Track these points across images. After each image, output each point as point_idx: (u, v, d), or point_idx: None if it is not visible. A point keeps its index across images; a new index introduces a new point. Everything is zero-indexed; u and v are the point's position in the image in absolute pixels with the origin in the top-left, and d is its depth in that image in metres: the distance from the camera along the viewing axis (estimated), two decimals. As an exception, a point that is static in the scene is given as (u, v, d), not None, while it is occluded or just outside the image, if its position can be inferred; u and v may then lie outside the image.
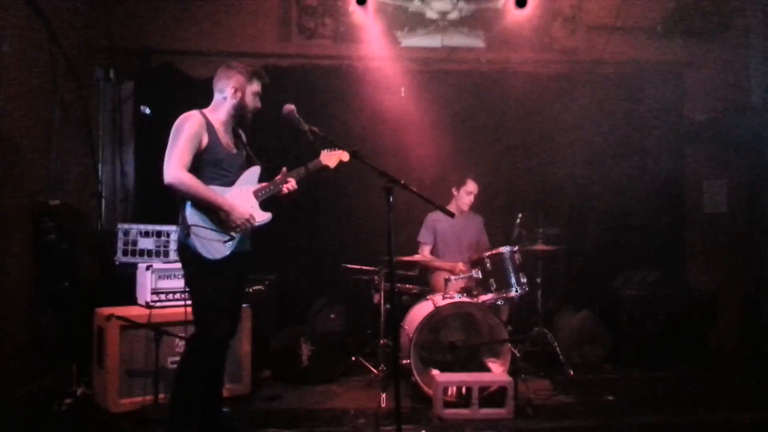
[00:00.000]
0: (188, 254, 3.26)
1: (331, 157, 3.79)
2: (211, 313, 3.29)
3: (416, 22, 6.30)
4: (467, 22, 6.35)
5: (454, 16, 6.34)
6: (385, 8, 6.24)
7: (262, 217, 3.49)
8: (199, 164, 3.28)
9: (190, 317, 4.21)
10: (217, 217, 3.28)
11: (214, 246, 3.26)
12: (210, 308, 3.29)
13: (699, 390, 4.90)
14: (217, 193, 3.30)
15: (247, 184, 3.50)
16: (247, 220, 3.34)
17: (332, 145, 3.65)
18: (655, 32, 6.38)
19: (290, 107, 3.38)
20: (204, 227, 3.23)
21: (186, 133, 3.23)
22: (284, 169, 3.63)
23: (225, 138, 3.42)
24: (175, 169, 3.18)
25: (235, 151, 3.48)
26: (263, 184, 3.55)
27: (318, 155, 3.78)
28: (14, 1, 4.37)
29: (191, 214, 3.23)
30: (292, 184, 3.60)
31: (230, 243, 3.31)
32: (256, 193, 3.49)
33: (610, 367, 5.48)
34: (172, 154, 3.21)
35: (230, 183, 3.42)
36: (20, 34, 4.47)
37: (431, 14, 6.32)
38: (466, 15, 6.35)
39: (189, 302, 3.38)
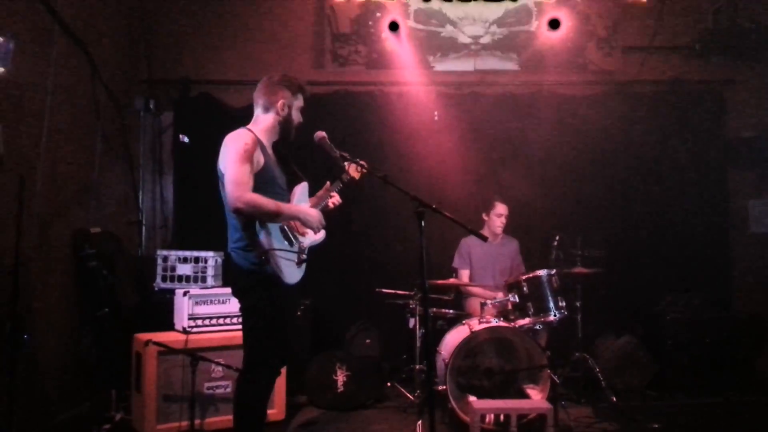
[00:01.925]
0: (263, 279, 3.10)
1: (353, 169, 3.68)
2: (273, 339, 3.17)
3: (449, 46, 6.34)
4: (500, 45, 6.35)
5: (486, 40, 6.36)
6: (418, 34, 6.30)
7: (320, 234, 3.44)
8: (258, 184, 3.11)
9: (227, 342, 4.33)
10: (286, 236, 3.20)
11: (292, 270, 3.19)
12: (273, 334, 3.17)
13: (748, 418, 4.71)
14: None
15: (302, 201, 3.42)
16: (319, 220, 3.26)
17: (345, 174, 3.59)
18: (692, 51, 6.29)
19: (321, 134, 3.33)
20: (282, 250, 3.14)
21: (243, 154, 3.06)
22: (327, 183, 3.57)
23: (273, 155, 3.32)
24: (240, 191, 3.00)
25: (279, 167, 3.37)
26: (312, 200, 3.50)
27: (344, 169, 3.68)
28: (57, 35, 4.54)
29: (266, 240, 3.08)
30: (336, 198, 3.57)
31: (303, 265, 3.28)
32: None
33: (654, 393, 5.30)
34: (234, 178, 3.02)
35: (287, 202, 3.32)
36: (63, 68, 4.64)
37: (464, 39, 6.35)
38: (499, 38, 6.36)
39: (244, 328, 3.24)
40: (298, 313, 4.96)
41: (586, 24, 6.35)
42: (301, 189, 3.46)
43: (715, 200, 6.22)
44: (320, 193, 3.54)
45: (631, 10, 6.35)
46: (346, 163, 3.63)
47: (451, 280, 5.19)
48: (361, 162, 3.46)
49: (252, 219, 3.08)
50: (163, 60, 6.15)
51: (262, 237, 3.08)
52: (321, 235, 3.45)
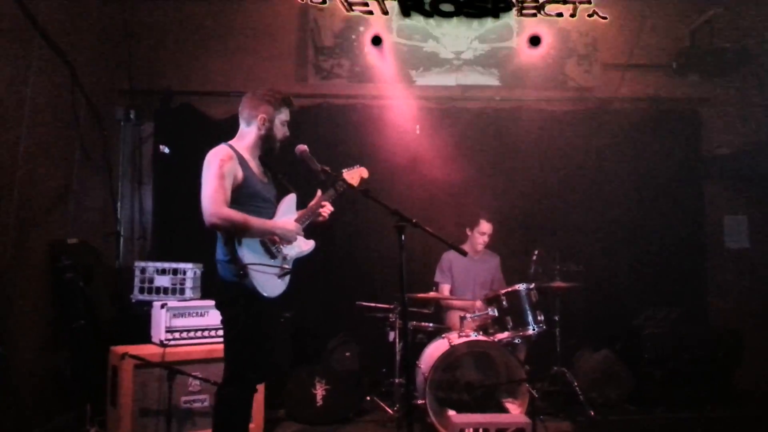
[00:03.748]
0: (240, 292, 3.10)
1: (352, 176, 3.68)
2: (252, 353, 3.15)
3: (431, 61, 6.39)
4: (481, 61, 6.42)
5: (468, 55, 6.42)
6: (400, 48, 6.35)
7: (308, 245, 3.45)
8: (238, 199, 3.13)
9: (205, 356, 4.29)
10: (267, 249, 3.19)
11: (272, 283, 3.18)
12: (252, 347, 3.15)
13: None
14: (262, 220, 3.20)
15: (288, 213, 3.39)
16: (296, 233, 3.28)
17: (341, 183, 3.51)
18: (670, 69, 6.40)
19: (303, 147, 3.33)
20: (260, 264, 3.12)
21: (219, 170, 3.07)
22: (319, 192, 3.51)
23: (256, 168, 3.31)
24: (215, 206, 3.01)
25: (266, 180, 3.37)
26: (302, 211, 3.46)
27: (340, 175, 3.60)
28: (38, 45, 4.50)
29: (245, 254, 3.08)
30: (327, 208, 3.50)
31: (286, 277, 3.26)
32: (298, 222, 3.38)
33: (632, 407, 5.33)
34: (209, 194, 3.03)
35: (272, 215, 3.31)
36: (43, 77, 4.60)
37: (446, 54, 6.41)
38: (480, 54, 6.43)
39: (224, 340, 3.21)
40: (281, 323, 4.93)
41: (566, 41, 6.45)
42: (288, 201, 3.44)
43: (691, 216, 6.32)
44: (312, 203, 3.49)
45: (611, 28, 6.45)
46: (343, 171, 3.64)
47: (431, 294, 5.19)
48: (340, 179, 3.47)
49: (229, 233, 3.10)
50: (144, 70, 6.11)
51: (240, 252, 3.08)
52: (309, 245, 3.46)
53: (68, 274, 4.60)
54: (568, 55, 6.47)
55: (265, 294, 3.12)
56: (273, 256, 3.23)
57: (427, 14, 6.30)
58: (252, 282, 3.07)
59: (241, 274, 3.05)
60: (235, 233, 3.09)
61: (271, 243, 3.23)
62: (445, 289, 5.48)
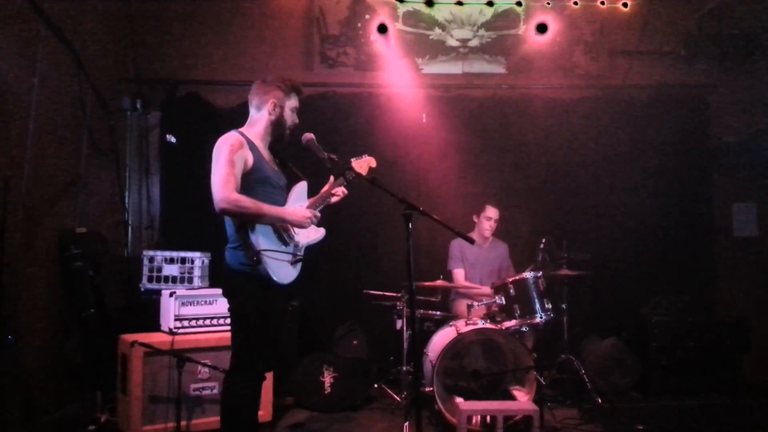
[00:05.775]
0: (252, 280, 3.08)
1: (361, 164, 3.68)
2: (259, 341, 3.16)
3: (437, 49, 6.37)
4: (488, 48, 6.39)
5: (474, 43, 6.39)
6: (406, 36, 6.32)
7: (319, 233, 3.46)
8: (249, 185, 3.11)
9: (213, 343, 4.31)
10: (280, 236, 3.19)
11: (284, 270, 3.17)
12: (259, 335, 3.16)
13: (733, 420, 4.76)
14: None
15: (299, 200, 3.39)
16: (313, 216, 3.27)
17: (350, 171, 3.49)
18: (677, 57, 6.35)
19: (309, 136, 3.33)
20: (274, 250, 3.13)
21: (229, 156, 3.05)
22: (331, 178, 3.52)
23: (267, 155, 3.30)
24: (226, 192, 2.98)
25: (276, 167, 3.35)
26: (313, 198, 3.45)
27: (348, 164, 3.58)
28: (44, 35, 4.51)
29: (259, 240, 3.06)
30: (342, 190, 3.50)
31: (298, 265, 3.26)
32: (310, 209, 3.35)
33: (639, 395, 5.36)
34: (219, 179, 3.00)
35: (283, 202, 3.30)
36: (50, 67, 4.61)
37: (452, 42, 6.38)
38: (487, 42, 6.40)
39: (231, 328, 3.23)
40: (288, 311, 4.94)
41: (574, 28, 6.41)
42: (299, 189, 3.44)
43: (699, 204, 6.29)
44: (323, 189, 3.50)
45: (618, 15, 6.40)
46: (352, 160, 3.64)
47: (439, 282, 5.19)
48: (349, 168, 3.45)
49: (240, 219, 3.08)
50: (150, 59, 6.12)
51: (254, 238, 3.07)
52: (319, 234, 3.47)
53: (77, 263, 4.63)
54: (575, 43, 6.43)
55: (278, 280, 3.10)
56: (285, 243, 3.22)
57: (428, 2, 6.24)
58: (266, 268, 3.06)
59: (254, 261, 3.03)
60: (247, 219, 3.07)
61: (283, 230, 3.23)
62: (460, 274, 5.45)
